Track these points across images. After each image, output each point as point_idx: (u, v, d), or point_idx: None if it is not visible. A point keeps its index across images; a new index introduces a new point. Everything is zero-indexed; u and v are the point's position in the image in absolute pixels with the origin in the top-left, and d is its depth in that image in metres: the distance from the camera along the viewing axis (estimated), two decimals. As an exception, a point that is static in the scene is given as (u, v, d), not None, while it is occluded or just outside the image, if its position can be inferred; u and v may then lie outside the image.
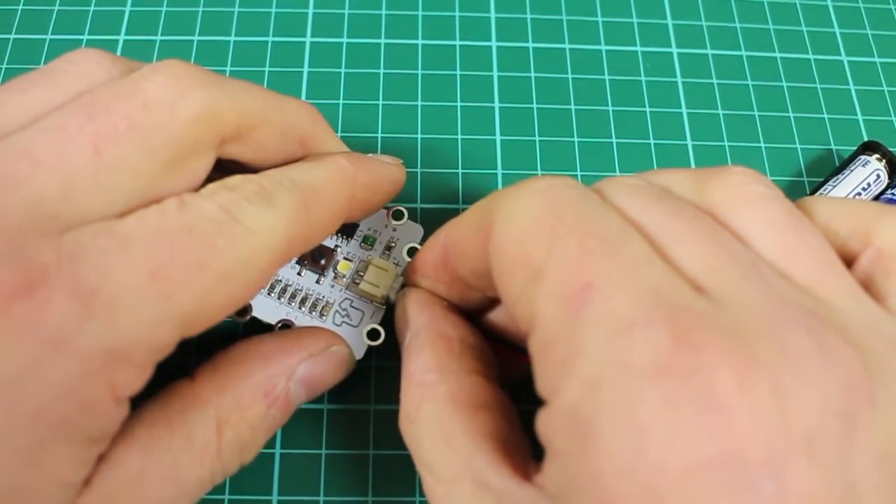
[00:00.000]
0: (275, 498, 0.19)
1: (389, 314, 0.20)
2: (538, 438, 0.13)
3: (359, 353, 0.19)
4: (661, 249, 0.13)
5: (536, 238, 0.13)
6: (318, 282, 0.20)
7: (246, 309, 0.20)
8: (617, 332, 0.11)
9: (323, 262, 0.20)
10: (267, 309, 0.20)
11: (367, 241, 0.21)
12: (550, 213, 0.13)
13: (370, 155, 0.19)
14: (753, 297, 0.12)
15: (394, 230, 0.21)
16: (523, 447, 0.15)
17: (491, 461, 0.14)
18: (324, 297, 0.20)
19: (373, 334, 0.20)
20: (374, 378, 0.20)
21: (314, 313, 0.20)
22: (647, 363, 0.11)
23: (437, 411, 0.15)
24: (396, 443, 0.20)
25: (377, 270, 0.20)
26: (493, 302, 0.18)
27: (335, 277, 0.20)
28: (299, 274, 0.20)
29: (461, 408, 0.15)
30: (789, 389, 0.10)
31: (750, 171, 0.14)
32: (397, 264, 0.20)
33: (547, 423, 0.12)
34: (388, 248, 0.21)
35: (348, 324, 0.20)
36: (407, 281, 0.19)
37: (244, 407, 0.16)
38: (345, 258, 0.20)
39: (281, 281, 0.20)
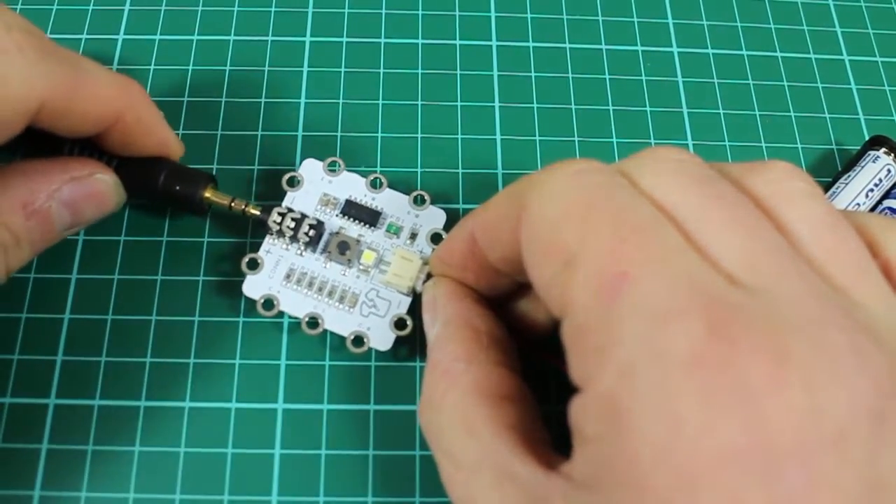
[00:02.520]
0: (275, 498, 0.19)
1: (416, 304, 0.20)
2: (569, 425, 0.13)
3: (387, 344, 0.20)
4: (698, 237, 0.12)
5: (569, 225, 0.13)
6: (343, 273, 0.20)
7: (272, 303, 0.20)
8: (653, 321, 0.11)
9: (348, 253, 0.20)
10: (294, 302, 0.20)
11: (391, 230, 0.21)
12: (582, 199, 0.13)
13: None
14: (791, 291, 0.12)
15: (416, 216, 0.21)
16: (545, 440, 0.15)
17: (513, 451, 0.14)
18: (350, 288, 0.20)
19: (400, 324, 0.20)
20: (374, 378, 0.20)
21: (341, 305, 0.20)
22: (683, 353, 0.11)
23: (461, 400, 0.15)
24: (396, 443, 0.20)
25: (402, 261, 0.20)
26: (520, 289, 0.18)
27: (360, 268, 0.20)
28: (325, 266, 0.20)
29: (486, 397, 0.15)
30: (822, 386, 0.11)
31: (792, 167, 0.14)
32: (422, 253, 0.20)
33: (580, 410, 0.12)
34: (413, 235, 0.21)
35: (375, 314, 0.20)
36: (433, 270, 0.19)
37: (3, 212, 0.17)
38: (369, 248, 0.20)
39: (307, 274, 0.20)
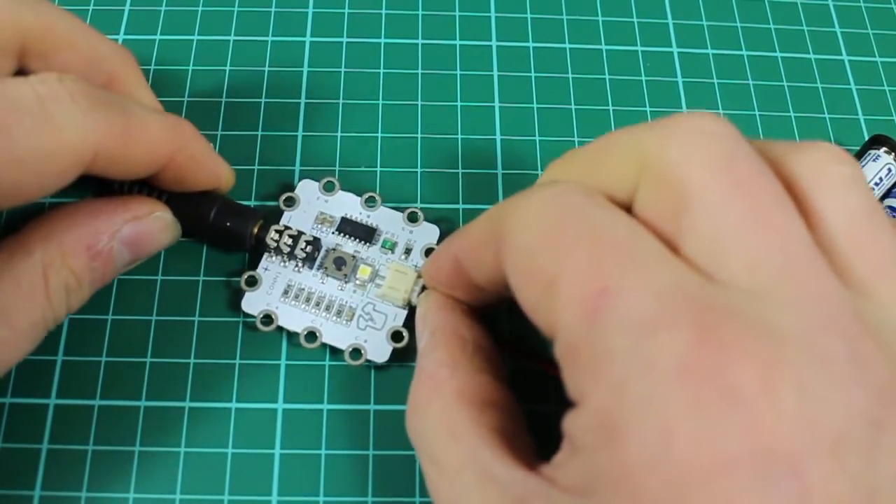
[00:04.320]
0: (275, 498, 0.19)
1: (412, 316, 0.20)
2: (562, 434, 0.13)
3: (384, 356, 0.20)
4: (707, 231, 0.12)
5: (545, 250, 0.13)
6: (340, 288, 0.21)
7: (271, 318, 0.20)
8: (640, 332, 0.11)
9: (344, 268, 0.20)
10: (292, 317, 0.20)
11: (386, 245, 0.21)
12: (556, 223, 0.13)
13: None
14: (793, 293, 0.11)
15: (410, 232, 0.21)
16: (528, 446, 0.15)
17: (495, 454, 0.14)
18: (347, 302, 0.20)
19: (396, 336, 0.20)
20: (374, 378, 0.20)
21: (339, 319, 0.20)
22: (672, 363, 0.11)
23: (445, 405, 0.15)
24: (396, 443, 0.20)
25: (397, 274, 0.20)
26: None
27: (357, 283, 0.21)
28: (322, 282, 0.21)
29: (469, 403, 0.15)
30: (816, 392, 0.10)
31: (838, 150, 0.14)
32: (416, 266, 0.21)
33: (574, 422, 0.12)
34: (408, 250, 0.21)
35: (372, 327, 0.20)
36: (426, 283, 0.19)
37: (67, 255, 0.17)
38: (365, 263, 0.21)
39: (304, 289, 0.20)
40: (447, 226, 0.22)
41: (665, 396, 0.11)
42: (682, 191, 0.13)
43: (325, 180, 0.22)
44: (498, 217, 0.15)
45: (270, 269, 0.21)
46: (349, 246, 0.21)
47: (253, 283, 0.21)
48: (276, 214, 0.22)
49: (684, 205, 0.13)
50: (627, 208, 0.14)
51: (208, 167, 0.19)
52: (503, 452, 0.14)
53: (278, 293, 0.21)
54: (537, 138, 0.24)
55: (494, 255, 0.15)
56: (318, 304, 0.20)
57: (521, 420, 0.16)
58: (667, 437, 0.11)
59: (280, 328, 0.20)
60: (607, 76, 0.25)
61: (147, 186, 0.20)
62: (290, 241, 0.20)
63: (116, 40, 0.25)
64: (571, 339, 0.12)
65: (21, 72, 0.18)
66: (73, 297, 0.17)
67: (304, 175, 0.23)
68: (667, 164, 0.13)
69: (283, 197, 0.22)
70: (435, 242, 0.21)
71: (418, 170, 0.23)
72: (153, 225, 0.19)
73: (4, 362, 0.16)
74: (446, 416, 0.15)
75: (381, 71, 0.25)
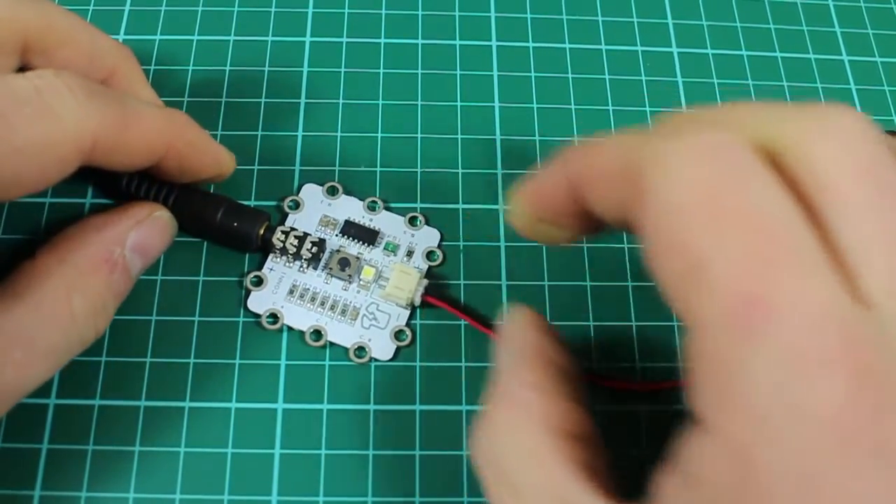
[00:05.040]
0: (274, 498, 0.19)
1: (414, 315, 0.21)
2: (674, 456, 0.12)
3: (388, 354, 0.20)
4: (849, 244, 0.11)
5: (697, 220, 0.11)
6: (345, 289, 0.21)
7: (276, 317, 0.20)
8: (794, 369, 0.10)
9: (348, 269, 0.21)
10: (298, 316, 0.21)
11: (389, 248, 0.22)
12: (713, 187, 0.11)
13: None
14: None
15: (412, 236, 0.22)
16: (614, 485, 0.14)
17: (582, 486, 0.13)
18: (351, 302, 0.21)
19: (400, 335, 0.20)
20: (375, 378, 0.20)
21: (344, 318, 0.21)
22: (826, 411, 0.10)
23: (528, 428, 0.14)
24: (396, 443, 0.20)
25: (401, 275, 0.20)
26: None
27: (361, 283, 0.21)
28: (327, 282, 0.21)
29: (555, 430, 0.14)
30: None
31: None
32: (419, 268, 0.21)
33: (701, 451, 0.11)
34: (409, 253, 0.21)
35: (376, 326, 0.21)
36: (520, 213, 0.17)
37: (86, 274, 0.17)
38: (369, 265, 0.21)
39: (310, 289, 0.21)
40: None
41: (815, 446, 0.10)
42: (822, 188, 0.12)
43: (328, 185, 0.22)
44: (637, 152, 0.13)
45: (276, 269, 0.21)
46: (353, 248, 0.21)
47: (259, 282, 0.21)
48: (279, 215, 0.22)
49: (823, 203, 0.12)
50: None
51: (209, 153, 0.20)
52: (588, 485, 0.13)
53: (284, 293, 0.21)
54: (537, 138, 0.24)
55: (623, 191, 0.13)
56: (322, 304, 0.21)
57: (606, 458, 0.15)
58: (814, 492, 0.10)
59: (286, 327, 0.20)
60: (607, 76, 0.25)
61: (156, 184, 0.20)
62: (295, 242, 0.21)
63: (116, 40, 0.25)
64: (709, 344, 0.11)
65: (23, 69, 0.18)
66: (101, 318, 0.18)
67: (304, 175, 0.23)
68: (809, 156, 0.12)
69: (287, 200, 0.22)
70: (436, 245, 0.22)
71: (418, 170, 0.23)
72: (156, 224, 0.19)
73: (22, 385, 0.16)
74: (529, 439, 0.14)
75: (381, 71, 0.25)
